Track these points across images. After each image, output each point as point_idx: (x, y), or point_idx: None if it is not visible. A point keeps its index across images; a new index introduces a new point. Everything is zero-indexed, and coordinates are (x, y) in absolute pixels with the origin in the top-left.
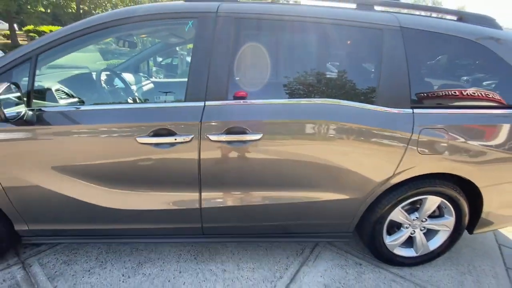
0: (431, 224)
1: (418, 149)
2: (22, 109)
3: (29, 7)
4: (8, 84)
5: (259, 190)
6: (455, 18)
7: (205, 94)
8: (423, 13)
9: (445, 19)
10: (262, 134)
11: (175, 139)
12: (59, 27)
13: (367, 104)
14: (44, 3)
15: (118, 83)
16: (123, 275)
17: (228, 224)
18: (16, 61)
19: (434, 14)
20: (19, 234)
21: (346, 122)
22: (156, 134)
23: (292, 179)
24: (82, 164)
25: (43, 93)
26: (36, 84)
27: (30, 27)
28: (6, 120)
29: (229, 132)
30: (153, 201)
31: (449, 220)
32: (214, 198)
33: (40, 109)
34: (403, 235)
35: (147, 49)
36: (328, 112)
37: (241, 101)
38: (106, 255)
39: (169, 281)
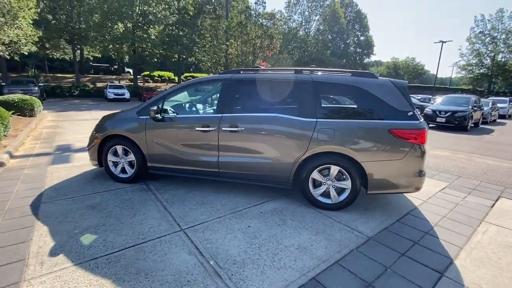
0: (338, 184)
1: (318, 139)
2: (159, 115)
3: (148, 59)
4: (157, 106)
5: (243, 153)
6: (349, 74)
7: (222, 111)
8: (335, 72)
9: (343, 75)
10: (244, 128)
11: (209, 128)
12: (164, 71)
13: (293, 116)
14: (158, 55)
15: (189, 106)
16: (185, 192)
17: (230, 170)
18: (158, 99)
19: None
20: (148, 167)
21: (283, 124)
22: (203, 126)
23: (258, 150)
24: (174, 138)
25: (164, 110)
26: (163, 106)
27: (147, 72)
28: (156, 120)
29: (230, 126)
30: (200, 156)
31: (348, 182)
32: (224, 156)
33: (163, 116)
34: (322, 188)
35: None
36: (275, 119)
37: (236, 114)
38: (176, 186)
39: (208, 195)
